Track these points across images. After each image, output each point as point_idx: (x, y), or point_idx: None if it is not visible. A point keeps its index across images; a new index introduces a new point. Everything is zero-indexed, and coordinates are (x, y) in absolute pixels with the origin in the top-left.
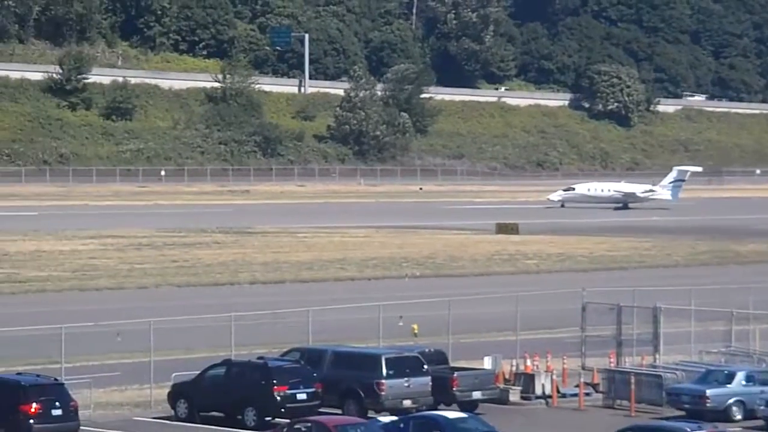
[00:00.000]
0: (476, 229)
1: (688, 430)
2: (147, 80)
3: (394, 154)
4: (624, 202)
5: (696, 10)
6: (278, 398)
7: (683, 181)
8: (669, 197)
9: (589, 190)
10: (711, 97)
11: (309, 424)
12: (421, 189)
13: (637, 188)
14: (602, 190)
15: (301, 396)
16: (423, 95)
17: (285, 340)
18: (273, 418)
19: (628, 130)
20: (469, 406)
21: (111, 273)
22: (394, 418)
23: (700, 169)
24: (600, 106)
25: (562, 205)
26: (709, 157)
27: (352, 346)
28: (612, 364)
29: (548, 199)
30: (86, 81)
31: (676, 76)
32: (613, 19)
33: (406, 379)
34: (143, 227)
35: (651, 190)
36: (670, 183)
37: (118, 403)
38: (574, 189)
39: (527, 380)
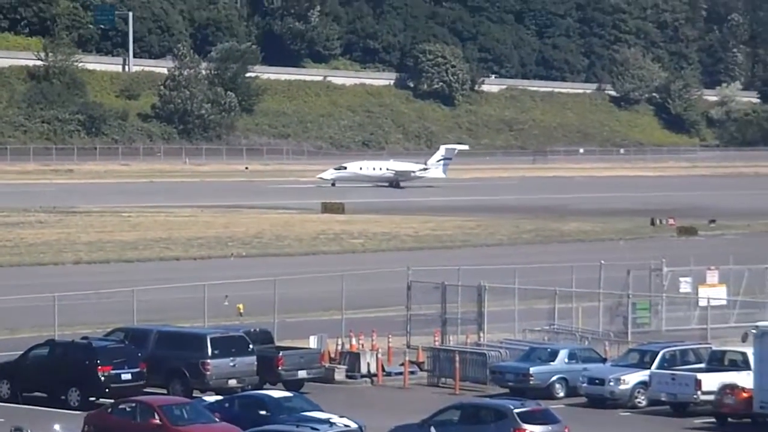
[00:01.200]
0: (302, 208)
1: (512, 407)
2: None
3: (220, 133)
4: (396, 181)
5: None
6: (102, 378)
7: (450, 159)
8: (441, 174)
9: (361, 168)
10: (534, 77)
11: (134, 404)
12: (246, 168)
13: (409, 167)
14: (374, 169)
15: (126, 376)
16: (248, 74)
17: (109, 320)
18: (97, 399)
19: (453, 109)
20: (294, 385)
21: None
22: (220, 397)
23: (466, 147)
24: (425, 86)
25: (333, 184)
26: (534, 136)
27: (177, 326)
28: (437, 343)
29: (319, 177)
30: None
31: (500, 55)
32: None
33: (231, 358)
34: None
35: (425, 168)
36: (439, 161)
37: None
38: (345, 168)
39: (352, 359)
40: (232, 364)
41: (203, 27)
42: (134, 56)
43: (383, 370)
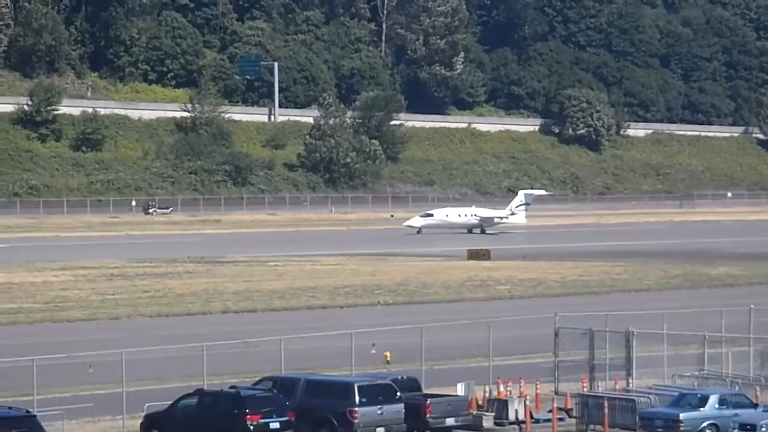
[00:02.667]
0: (448, 255)
1: None
2: (116, 111)
3: (365, 181)
4: (481, 227)
5: (665, 34)
6: (251, 427)
7: (529, 204)
8: (523, 220)
9: (447, 215)
10: (680, 121)
11: None
12: (392, 216)
13: (493, 213)
14: (459, 215)
15: (274, 425)
16: (393, 122)
17: (257, 369)
18: None
19: (599, 154)
20: None
21: (83, 304)
22: None
23: (544, 192)
24: (570, 131)
25: (419, 231)
26: (680, 180)
27: (324, 375)
28: (585, 389)
29: (406, 225)
30: (56, 112)
31: (645, 100)
32: (582, 44)
33: (379, 406)
34: (115, 258)
35: (512, 214)
36: (518, 206)
37: None
38: (432, 215)
39: (500, 406)
40: (379, 412)
41: (348, 76)
42: (280, 106)
43: (531, 416)
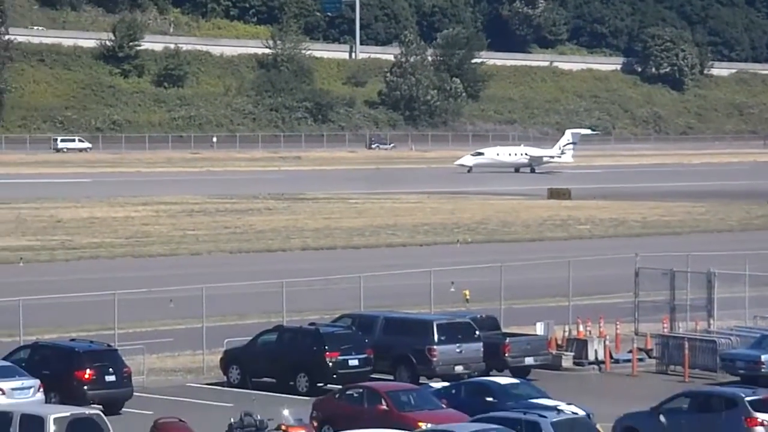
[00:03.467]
0: (528, 194)
1: (743, 395)
2: (198, 47)
3: (446, 119)
4: (531, 166)
5: None
6: (330, 364)
7: (576, 143)
8: (570, 159)
9: (498, 154)
10: (766, 60)
11: (361, 390)
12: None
13: (543, 152)
14: (510, 154)
15: (353, 362)
16: (474, 60)
17: (337, 306)
18: (325, 384)
19: (682, 93)
20: (521, 372)
21: (164, 240)
22: (446, 384)
23: (590, 131)
24: (653, 70)
25: (469, 171)
26: (764, 120)
27: (403, 312)
28: (665, 330)
29: (458, 164)
30: (138, 48)
31: (730, 39)
32: None
33: (457, 345)
34: (195, 194)
35: (562, 153)
36: (566, 145)
37: (170, 369)
38: (483, 153)
39: (580, 346)
40: (458, 350)
41: (429, 13)
42: (361, 43)
43: (611, 357)
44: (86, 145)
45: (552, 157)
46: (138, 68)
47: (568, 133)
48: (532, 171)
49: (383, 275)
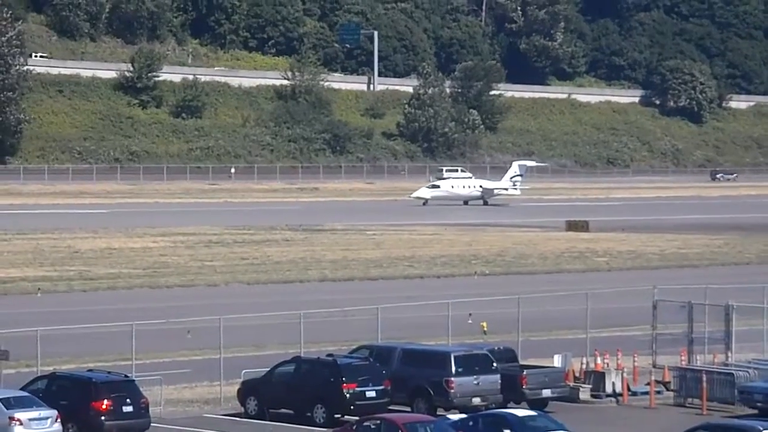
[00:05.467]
0: (546, 226)
1: (761, 428)
2: (217, 78)
3: (464, 151)
4: (483, 198)
5: None
6: (347, 396)
7: (522, 175)
8: (517, 192)
9: (453, 187)
10: None
11: (378, 422)
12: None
13: (495, 184)
14: (464, 187)
15: (371, 393)
16: (492, 92)
17: (354, 337)
18: (342, 416)
19: (700, 126)
20: (538, 404)
21: (181, 270)
22: (464, 415)
23: (535, 163)
24: (671, 103)
25: (425, 203)
26: None
27: (421, 344)
28: (683, 362)
29: (414, 197)
30: (157, 79)
31: (748, 72)
32: (685, 15)
33: (475, 376)
34: (213, 225)
35: (513, 186)
36: (512, 177)
37: (188, 400)
38: (438, 186)
39: (597, 378)
40: (475, 382)
41: (447, 45)
42: (379, 75)
43: (629, 389)
44: None
45: (504, 189)
46: (156, 99)
47: (515, 164)
48: (485, 203)
49: (401, 307)
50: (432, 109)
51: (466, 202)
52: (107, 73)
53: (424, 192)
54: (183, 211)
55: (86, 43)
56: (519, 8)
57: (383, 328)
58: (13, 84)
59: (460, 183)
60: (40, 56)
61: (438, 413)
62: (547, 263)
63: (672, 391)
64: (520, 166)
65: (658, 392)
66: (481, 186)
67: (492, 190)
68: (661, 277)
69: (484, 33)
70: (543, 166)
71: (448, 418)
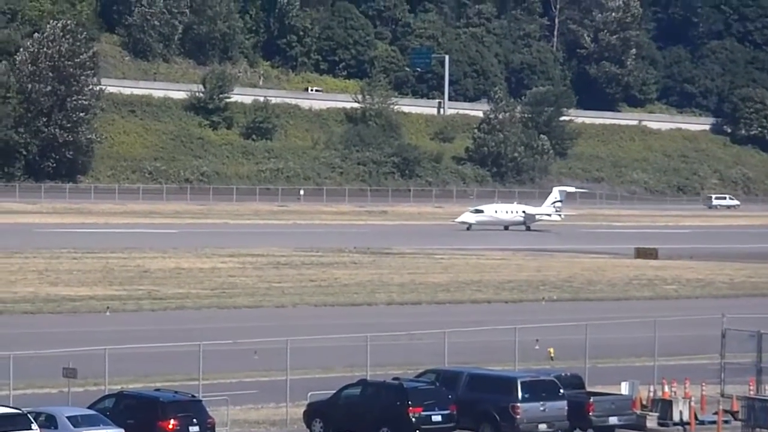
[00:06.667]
0: (615, 253)
1: None
2: (287, 100)
3: (533, 176)
4: (525, 223)
5: None
6: (413, 419)
7: (562, 201)
8: (559, 218)
9: (496, 211)
10: None
11: None
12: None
13: (537, 210)
14: (507, 212)
15: (436, 418)
16: (562, 118)
17: (420, 361)
18: None
19: None
20: (605, 431)
21: (249, 291)
22: None
23: (574, 189)
24: (743, 131)
25: (469, 228)
26: None
27: (487, 369)
28: (752, 392)
29: (458, 221)
30: (228, 100)
31: None
32: (759, 43)
33: (541, 403)
34: (282, 246)
35: (557, 212)
36: (553, 203)
37: (254, 421)
38: (482, 211)
39: (665, 406)
40: (542, 408)
41: (518, 70)
42: (449, 99)
43: (696, 418)
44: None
45: (546, 215)
46: (227, 120)
47: (555, 190)
48: (528, 228)
49: (468, 331)
50: (502, 134)
51: (506, 228)
52: (179, 93)
53: (469, 217)
54: (252, 233)
55: (159, 64)
56: (590, 34)
57: (450, 352)
58: (86, 104)
59: (503, 208)
60: (123, 77)
61: None
62: (615, 290)
63: (740, 420)
64: (560, 191)
65: (726, 422)
66: (523, 211)
67: (534, 215)
68: (730, 306)
69: (555, 59)
70: (585, 192)
71: None
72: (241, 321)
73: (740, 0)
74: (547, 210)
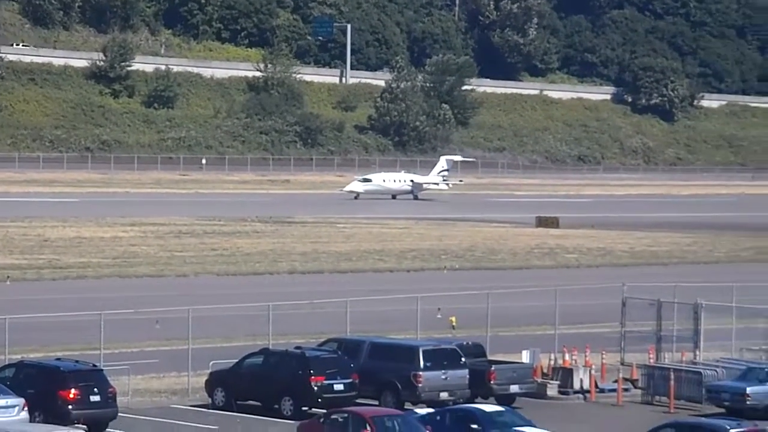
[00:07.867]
0: (516, 222)
1: (728, 427)
2: (189, 68)
3: (435, 145)
4: (413, 193)
5: (742, 4)
6: (315, 388)
7: (449, 170)
8: (445, 186)
9: (384, 180)
10: (756, 93)
11: (345, 415)
12: (461, 181)
13: (424, 179)
14: (395, 181)
15: (338, 387)
16: (464, 87)
17: (323, 330)
18: (310, 408)
19: (672, 124)
20: (506, 399)
21: (151, 260)
22: (431, 410)
23: (460, 158)
24: (643, 101)
25: (356, 197)
26: (753, 153)
27: (389, 338)
28: (651, 360)
29: (346, 190)
30: (129, 69)
31: (720, 71)
32: (659, 13)
33: (443, 371)
34: (183, 215)
35: (444, 181)
36: (440, 172)
37: (155, 390)
38: (370, 180)
39: (565, 375)
40: (444, 377)
41: (420, 39)
42: (351, 68)
43: (596, 386)
44: None
45: (433, 183)
46: (128, 89)
47: (443, 159)
48: (415, 197)
49: (370, 300)
50: (404, 103)
51: (394, 196)
52: (79, 62)
53: (357, 186)
54: (153, 201)
55: (59, 32)
56: (492, 3)
57: (352, 321)
58: None
59: (391, 177)
60: (22, 45)
61: (405, 407)
62: (516, 259)
63: (639, 388)
64: (447, 160)
65: (626, 390)
66: (411, 180)
67: (421, 184)
68: (631, 275)
69: (457, 27)
70: (470, 161)
71: (416, 413)
72: (143, 290)
73: None
74: (434, 179)
